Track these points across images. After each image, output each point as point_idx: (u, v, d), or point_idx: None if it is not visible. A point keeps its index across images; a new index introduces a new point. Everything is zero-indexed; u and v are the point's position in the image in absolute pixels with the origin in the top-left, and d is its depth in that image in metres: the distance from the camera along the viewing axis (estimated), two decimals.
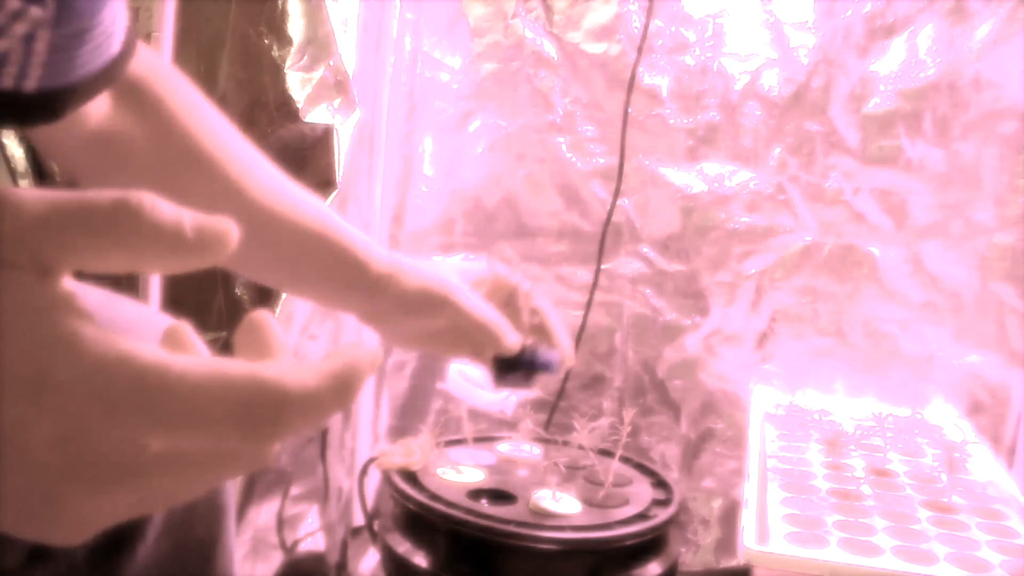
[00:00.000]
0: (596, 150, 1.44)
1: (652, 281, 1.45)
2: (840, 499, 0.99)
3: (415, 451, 1.08)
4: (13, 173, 1.37)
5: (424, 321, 0.80)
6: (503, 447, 1.18)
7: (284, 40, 1.22)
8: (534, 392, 1.51)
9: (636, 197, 1.44)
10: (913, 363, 1.38)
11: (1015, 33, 1.29)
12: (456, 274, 0.82)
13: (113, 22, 0.60)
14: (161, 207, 0.30)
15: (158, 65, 0.71)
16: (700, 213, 1.42)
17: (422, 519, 1.01)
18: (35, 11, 0.51)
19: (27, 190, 0.31)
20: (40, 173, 1.38)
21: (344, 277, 0.75)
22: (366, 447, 1.48)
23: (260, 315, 0.34)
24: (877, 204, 1.37)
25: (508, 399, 1.23)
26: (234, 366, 0.30)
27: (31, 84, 0.57)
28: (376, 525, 1.08)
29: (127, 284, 1.35)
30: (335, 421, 1.40)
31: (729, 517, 1.45)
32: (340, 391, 0.31)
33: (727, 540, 1.46)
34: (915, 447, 1.18)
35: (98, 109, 0.68)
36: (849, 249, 1.39)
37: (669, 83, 1.40)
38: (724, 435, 1.46)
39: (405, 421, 1.51)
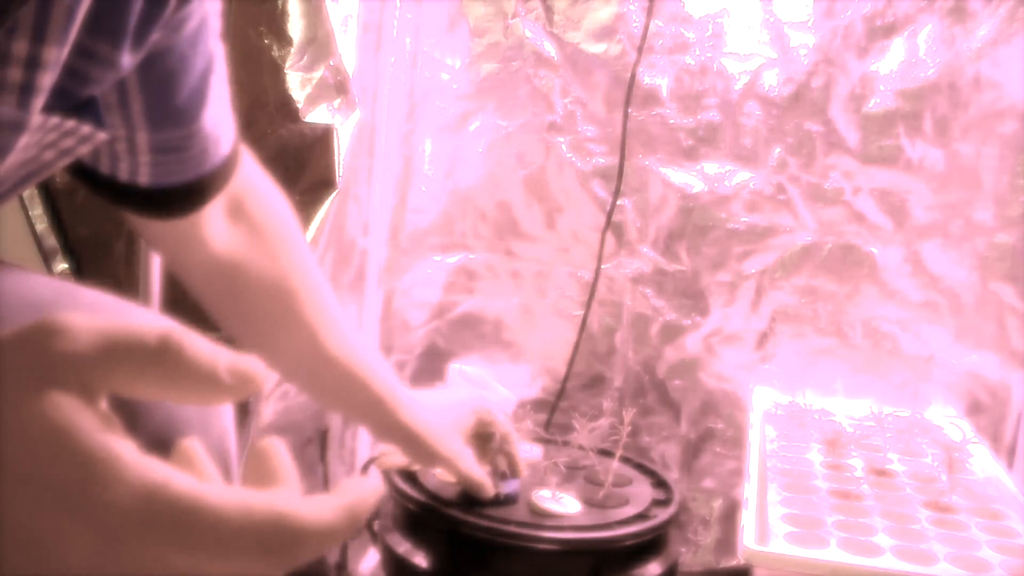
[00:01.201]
0: (596, 150, 1.44)
1: (652, 281, 1.45)
2: (840, 499, 0.99)
3: None
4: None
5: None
6: None
7: (284, 40, 1.22)
8: (534, 392, 1.51)
9: (636, 197, 1.44)
10: (913, 363, 1.38)
11: (1015, 33, 1.29)
12: (452, 416, 1.00)
13: (217, 125, 0.67)
14: (200, 347, 0.34)
15: (268, 196, 0.81)
16: (700, 213, 1.42)
17: (422, 519, 1.01)
18: (100, 135, 0.56)
19: (80, 318, 0.33)
20: (47, 189, 1.38)
21: (374, 418, 0.92)
22: (366, 447, 1.48)
23: (269, 443, 0.36)
24: (877, 204, 1.37)
25: (508, 399, 1.23)
26: (258, 499, 0.33)
27: (144, 180, 0.65)
28: (376, 525, 1.08)
29: (127, 283, 1.35)
30: (335, 421, 1.40)
31: (729, 517, 1.45)
32: (351, 523, 0.34)
33: (727, 540, 1.46)
34: (915, 447, 1.18)
35: (219, 234, 0.76)
36: (849, 249, 1.39)
37: (669, 83, 1.40)
38: (724, 435, 1.46)
39: None
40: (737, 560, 1.43)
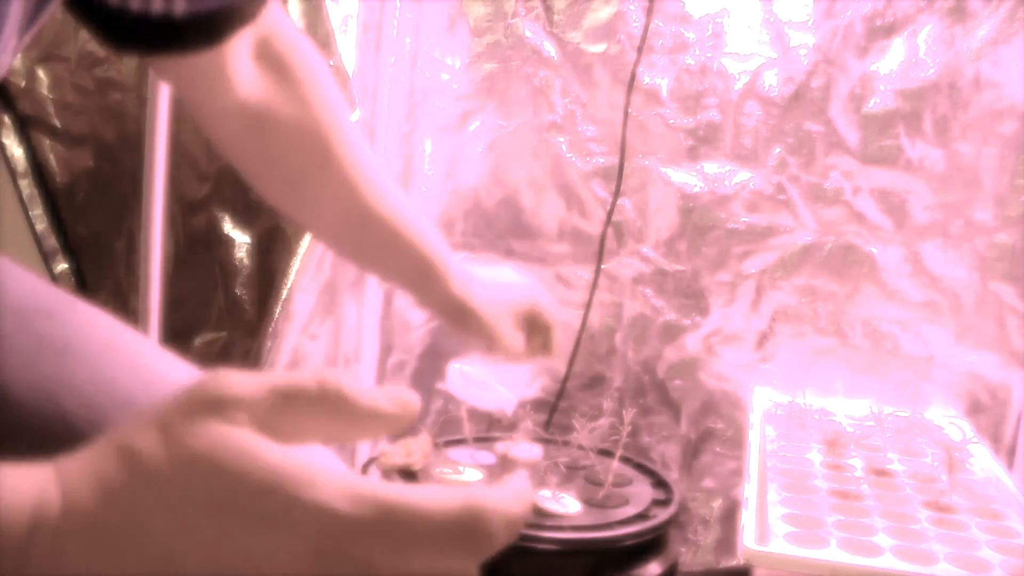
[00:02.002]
0: (596, 150, 1.44)
1: (652, 281, 1.45)
2: (840, 499, 0.99)
3: (415, 451, 1.08)
4: (13, 173, 1.37)
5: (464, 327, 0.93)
6: (503, 447, 1.18)
7: None
8: (534, 392, 1.51)
9: (636, 197, 1.44)
10: (913, 363, 1.38)
11: (1015, 33, 1.29)
12: (505, 295, 0.92)
13: None
14: (355, 385, 0.36)
15: (296, 40, 0.77)
16: (700, 213, 1.42)
17: None
18: None
19: (242, 373, 0.36)
20: (40, 173, 1.39)
21: (422, 285, 0.85)
22: (366, 447, 1.48)
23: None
24: (877, 204, 1.37)
25: (508, 399, 1.22)
26: (452, 493, 0.34)
27: (180, 8, 0.63)
28: None
29: (127, 283, 1.35)
30: None
31: (729, 517, 1.45)
32: (528, 512, 0.36)
33: (727, 540, 1.46)
34: (915, 447, 1.18)
35: (246, 77, 0.73)
36: (849, 249, 1.39)
37: (669, 83, 1.40)
38: (724, 435, 1.46)
39: None
40: (737, 560, 1.43)
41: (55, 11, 0.57)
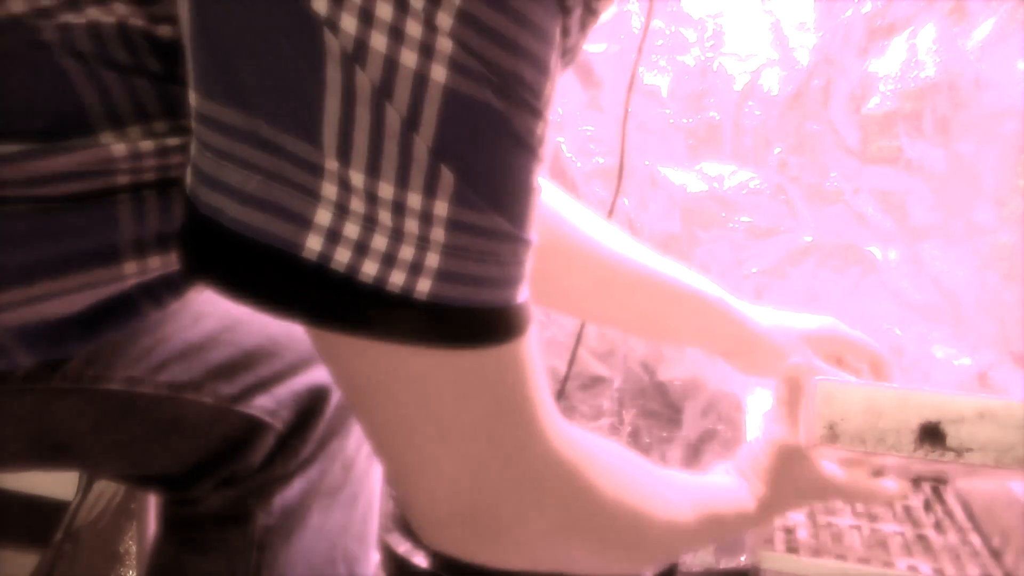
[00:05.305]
0: (596, 150, 1.44)
1: None
2: None
3: None
4: None
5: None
6: None
7: None
8: None
9: (636, 197, 1.44)
10: (913, 363, 1.38)
11: (1015, 33, 1.29)
12: (796, 320, 0.88)
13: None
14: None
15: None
16: (700, 213, 1.42)
17: None
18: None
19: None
20: None
21: (712, 337, 0.81)
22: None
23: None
24: (877, 204, 1.37)
25: None
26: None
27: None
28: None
29: None
30: None
31: None
32: None
33: (727, 540, 1.46)
34: None
35: None
36: (849, 249, 1.39)
37: (669, 83, 1.40)
38: (724, 436, 1.45)
39: None
40: (738, 561, 1.43)
41: None
